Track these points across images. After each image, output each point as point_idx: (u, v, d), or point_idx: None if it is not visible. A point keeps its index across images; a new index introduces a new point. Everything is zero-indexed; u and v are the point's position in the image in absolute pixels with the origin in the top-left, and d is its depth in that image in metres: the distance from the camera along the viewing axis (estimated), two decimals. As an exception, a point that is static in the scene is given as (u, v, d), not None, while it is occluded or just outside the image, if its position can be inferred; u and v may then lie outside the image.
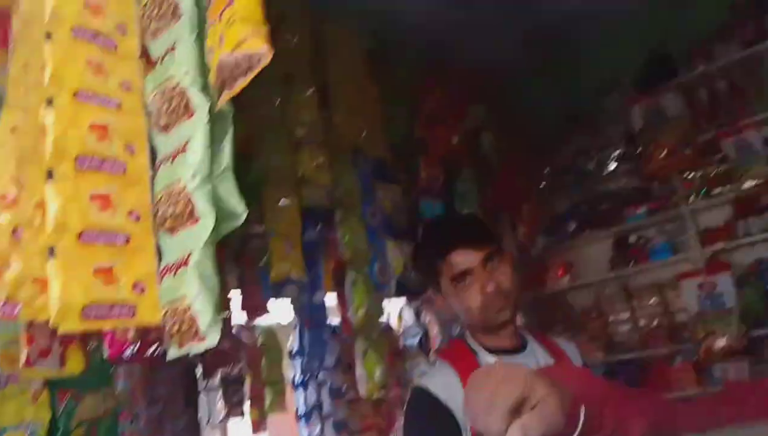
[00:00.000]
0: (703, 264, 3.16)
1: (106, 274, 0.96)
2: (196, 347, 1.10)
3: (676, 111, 3.29)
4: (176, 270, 1.09)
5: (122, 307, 0.98)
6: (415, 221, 2.79)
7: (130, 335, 1.28)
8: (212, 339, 1.09)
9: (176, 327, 1.11)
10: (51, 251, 0.92)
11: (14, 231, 1.04)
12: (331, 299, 2.60)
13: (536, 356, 1.36)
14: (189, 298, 1.08)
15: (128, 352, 1.30)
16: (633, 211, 3.46)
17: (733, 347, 2.92)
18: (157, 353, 1.40)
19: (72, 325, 0.92)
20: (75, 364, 1.20)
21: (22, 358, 1.11)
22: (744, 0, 3.17)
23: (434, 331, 2.86)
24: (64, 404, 1.31)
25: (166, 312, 1.14)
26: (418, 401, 1.30)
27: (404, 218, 2.68)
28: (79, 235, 0.95)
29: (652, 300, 3.37)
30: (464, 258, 1.31)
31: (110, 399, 1.42)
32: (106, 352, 1.28)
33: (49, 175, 0.94)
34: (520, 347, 1.38)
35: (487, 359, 1.31)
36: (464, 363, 1.29)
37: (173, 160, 1.13)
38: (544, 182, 3.80)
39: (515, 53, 3.48)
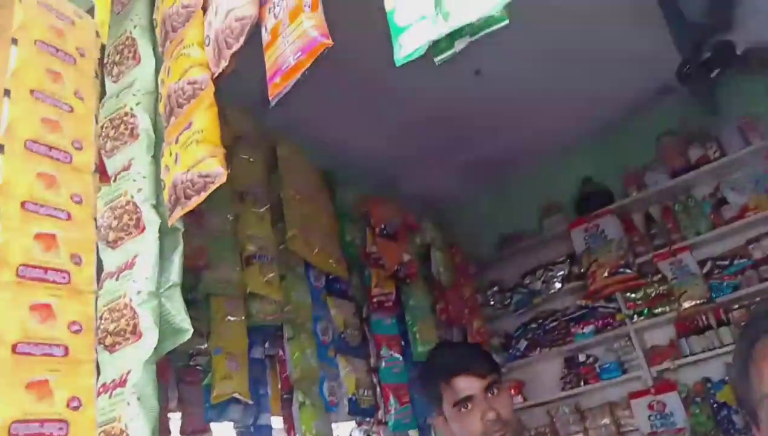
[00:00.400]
0: (652, 383, 3.20)
1: (41, 387, 0.91)
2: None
3: (614, 233, 3.47)
4: (113, 390, 1.04)
5: (55, 424, 0.92)
6: (367, 337, 2.77)
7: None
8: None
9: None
10: (-17, 363, 0.87)
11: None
12: (277, 421, 2.48)
13: None
14: (125, 420, 1.03)
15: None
16: (580, 330, 3.52)
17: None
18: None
19: (-2, 441, 0.86)
20: None
21: None
22: (670, 135, 3.48)
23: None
24: None
25: (100, 434, 1.07)
26: None
27: (357, 334, 2.65)
28: (14, 346, 0.91)
29: (605, 420, 3.35)
30: (467, 385, 1.38)
31: None
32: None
33: (-10, 284, 0.92)
34: None
35: None
36: None
37: (119, 276, 1.12)
38: (492, 301, 3.86)
39: (458, 180, 3.72)
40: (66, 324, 0.99)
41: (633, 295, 3.41)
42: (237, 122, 2.25)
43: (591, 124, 3.52)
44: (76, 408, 0.96)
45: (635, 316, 3.37)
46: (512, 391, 1.47)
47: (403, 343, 2.85)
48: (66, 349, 0.98)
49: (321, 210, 2.71)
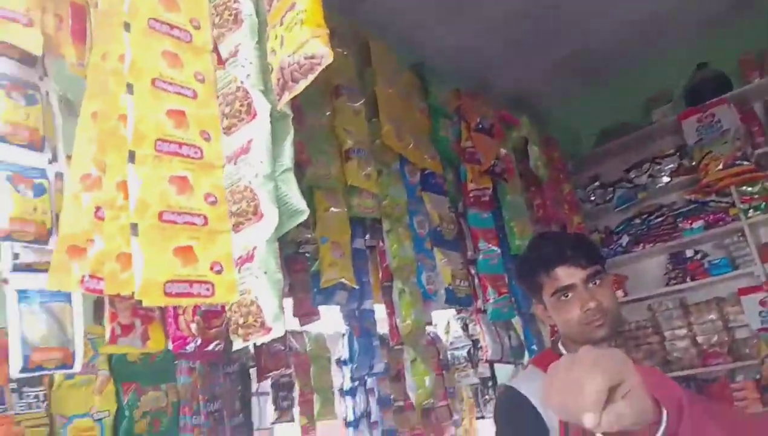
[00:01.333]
0: (765, 279, 3.05)
1: (186, 253, 1.00)
2: (261, 339, 1.14)
3: (731, 124, 3.22)
4: (241, 265, 1.13)
5: (201, 285, 1.02)
6: (463, 231, 2.80)
7: (194, 328, 1.34)
8: (278, 330, 1.13)
9: (241, 320, 1.15)
10: (134, 229, 0.97)
11: (97, 210, 1.09)
12: (379, 308, 2.62)
13: None
14: (254, 291, 1.12)
15: (190, 346, 1.35)
16: (689, 225, 3.37)
17: (797, 365, 2.80)
18: (217, 349, 1.46)
19: (155, 299, 0.96)
20: (156, 342, 1.25)
21: (107, 335, 1.17)
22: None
23: (485, 342, 2.83)
24: (128, 397, 1.37)
25: (232, 305, 1.18)
26: (507, 400, 1.39)
27: (453, 228, 2.69)
28: (160, 214, 1.00)
29: (711, 316, 3.26)
30: (568, 274, 1.36)
31: (172, 393, 1.47)
32: (170, 345, 1.34)
33: (131, 157, 1.00)
34: None
35: None
36: None
37: (236, 160, 1.18)
38: (592, 196, 3.75)
39: (553, 74, 3.53)
40: (202, 196, 1.06)
41: (749, 188, 3.19)
42: (329, 17, 2.24)
43: (704, 6, 3.20)
44: (218, 272, 1.05)
45: (750, 211, 3.17)
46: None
47: (500, 236, 2.86)
48: (205, 218, 1.06)
49: (413, 107, 2.69)
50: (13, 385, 1.22)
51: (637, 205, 3.59)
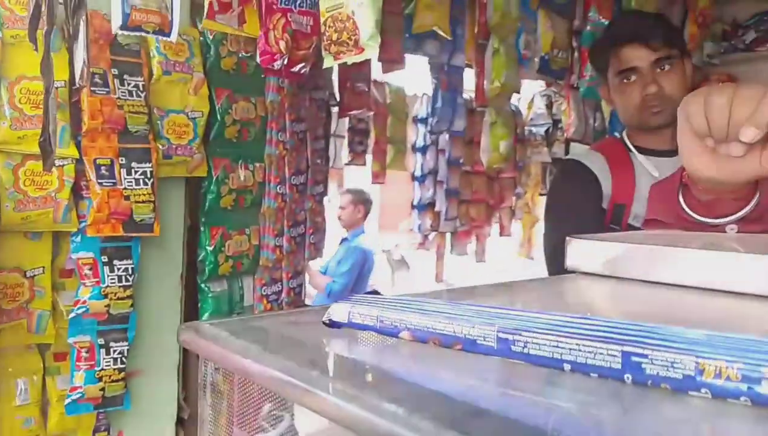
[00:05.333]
0: None
1: None
2: (353, 58, 1.10)
3: None
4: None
5: None
6: (574, -3, 2.52)
7: (282, 45, 1.31)
8: (371, 51, 1.09)
9: (335, 36, 1.11)
10: None
11: None
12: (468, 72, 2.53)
13: None
14: (351, 6, 1.06)
15: (278, 63, 1.33)
16: (833, 29, 2.92)
17: None
18: (303, 71, 1.44)
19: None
20: (252, 27, 1.25)
21: (205, 9, 1.16)
22: None
23: (570, 119, 2.73)
24: (221, 101, 1.41)
25: (327, 20, 1.13)
26: (568, 165, 1.41)
27: (564, -9, 2.42)
28: None
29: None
30: (635, 54, 1.28)
31: (261, 107, 1.51)
32: (258, 58, 1.33)
33: None
34: (674, 152, 1.34)
35: (640, 159, 1.32)
36: (616, 155, 1.33)
37: None
38: (732, -22, 3.24)
39: None
40: None
41: None
42: None
43: None
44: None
45: None
46: (688, 75, 1.30)
47: (614, 9, 2.57)
48: None
49: None
50: (115, 71, 1.27)
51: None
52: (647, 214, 0.94)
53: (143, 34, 0.93)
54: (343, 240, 3.59)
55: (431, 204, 3.12)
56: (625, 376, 0.36)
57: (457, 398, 0.37)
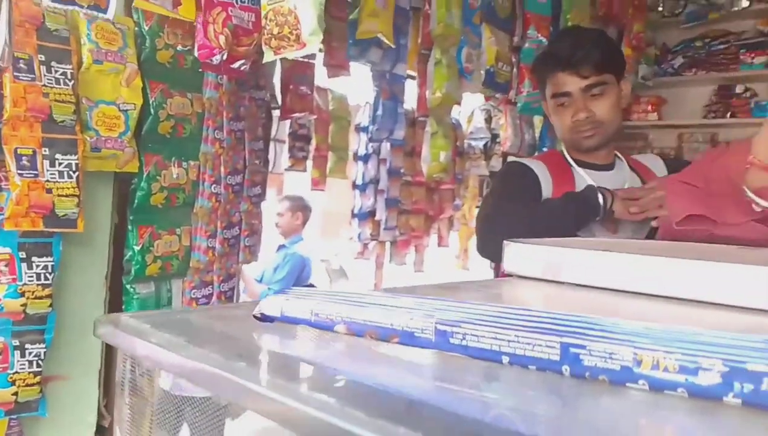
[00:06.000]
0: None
1: None
2: (294, 53, 1.08)
3: None
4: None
5: None
6: (518, 12, 2.59)
7: (222, 40, 1.27)
8: (312, 46, 1.07)
9: (276, 30, 1.08)
10: None
11: None
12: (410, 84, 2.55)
13: (624, 173, 1.40)
14: (293, 0, 1.04)
15: (217, 57, 1.29)
16: (750, 59, 3.13)
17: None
18: (243, 68, 1.40)
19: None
20: (187, 10, 1.20)
21: None
22: None
23: (507, 133, 2.80)
24: (155, 95, 1.35)
25: (268, 13, 1.10)
26: (510, 166, 1.45)
27: (508, 6, 2.49)
28: None
29: (737, 157, 3.19)
30: (566, 80, 1.32)
31: (197, 103, 1.46)
32: (196, 52, 1.28)
33: None
34: (610, 165, 1.41)
35: (579, 172, 1.36)
36: (557, 166, 1.37)
37: None
38: (661, 6, 3.43)
39: None
40: None
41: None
42: None
43: None
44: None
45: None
46: (625, 95, 1.37)
47: (551, 28, 2.66)
48: None
49: None
50: (41, 57, 1.19)
51: (705, 25, 3.31)
52: (676, 212, 0.95)
53: (77, 8, 0.87)
54: (281, 247, 3.52)
55: (372, 213, 3.11)
56: (563, 368, 0.36)
57: (391, 391, 0.35)
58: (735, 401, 0.30)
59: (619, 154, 1.44)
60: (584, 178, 1.34)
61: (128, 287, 1.43)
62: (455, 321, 0.39)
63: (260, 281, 3.41)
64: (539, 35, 2.58)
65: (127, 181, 1.42)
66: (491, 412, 0.33)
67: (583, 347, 0.35)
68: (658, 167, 1.45)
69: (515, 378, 0.37)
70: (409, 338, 0.41)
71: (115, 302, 1.45)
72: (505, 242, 0.81)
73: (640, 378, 0.33)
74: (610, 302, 0.63)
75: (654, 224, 1.14)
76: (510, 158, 3.19)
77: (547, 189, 1.32)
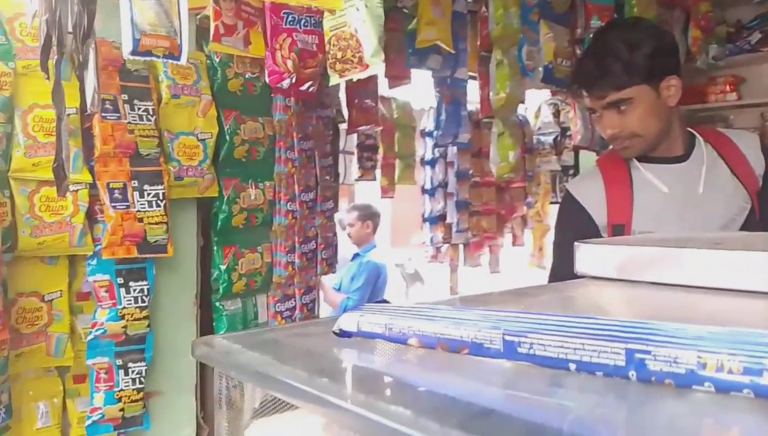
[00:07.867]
0: None
1: None
2: (358, 75, 1.12)
3: None
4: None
5: None
6: (575, 6, 2.54)
7: (290, 64, 1.33)
8: (376, 67, 1.10)
9: (340, 54, 1.13)
10: None
11: None
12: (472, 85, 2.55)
13: (702, 162, 1.30)
14: (354, 24, 1.08)
15: (287, 81, 1.36)
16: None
17: None
18: (311, 90, 1.46)
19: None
20: (257, 48, 1.27)
21: (211, 32, 1.19)
22: None
23: (576, 127, 2.74)
24: (229, 123, 1.44)
25: (330, 39, 1.15)
26: (562, 203, 1.45)
27: (565, 2, 2.44)
28: None
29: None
30: (591, 98, 1.31)
31: (268, 127, 1.53)
32: (267, 78, 1.35)
33: None
34: (683, 156, 1.33)
35: (639, 169, 1.32)
36: (613, 172, 1.34)
37: None
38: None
39: None
40: None
41: None
42: None
43: None
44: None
45: None
46: (671, 93, 1.25)
47: (615, 16, 2.58)
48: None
49: None
50: (124, 96, 1.30)
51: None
52: None
53: (153, 58, 0.95)
54: (355, 256, 3.59)
55: (442, 216, 3.12)
56: (630, 373, 0.37)
57: (464, 400, 0.37)
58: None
59: (701, 139, 1.33)
60: (644, 174, 1.30)
61: (217, 304, 1.52)
62: (521, 332, 0.41)
63: (338, 290, 3.49)
64: (603, 24, 2.52)
65: (209, 205, 1.51)
66: (567, 417, 0.35)
67: (648, 352, 0.36)
68: (752, 148, 1.33)
69: (583, 385, 0.38)
70: (478, 349, 0.43)
71: (206, 320, 1.54)
72: (576, 242, 0.81)
73: (706, 381, 0.34)
74: (683, 299, 0.62)
75: None
76: (580, 159, 3.13)
77: (599, 212, 1.30)
